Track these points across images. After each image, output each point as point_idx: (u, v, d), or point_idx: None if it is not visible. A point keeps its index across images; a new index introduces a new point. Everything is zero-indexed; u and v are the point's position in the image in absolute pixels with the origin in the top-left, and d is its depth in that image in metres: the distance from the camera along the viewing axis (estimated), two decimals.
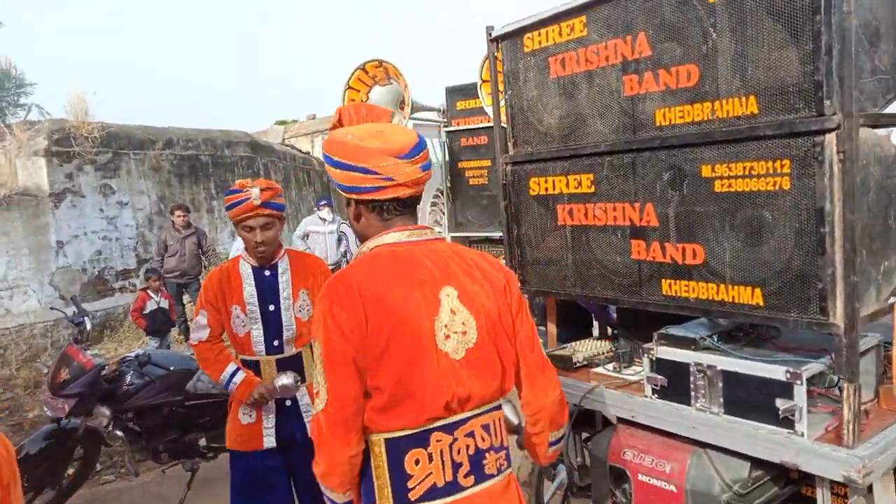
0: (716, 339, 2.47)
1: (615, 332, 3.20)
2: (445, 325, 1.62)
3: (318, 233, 8.87)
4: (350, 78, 5.74)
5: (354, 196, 1.72)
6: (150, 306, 7.33)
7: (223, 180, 12.18)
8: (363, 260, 1.70)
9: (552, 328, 3.41)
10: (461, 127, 6.32)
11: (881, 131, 2.34)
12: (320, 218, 9.01)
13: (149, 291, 7.41)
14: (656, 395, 2.52)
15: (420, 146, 1.74)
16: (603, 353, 3.09)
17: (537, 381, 1.82)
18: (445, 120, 6.77)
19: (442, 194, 7.40)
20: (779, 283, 2.12)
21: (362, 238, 1.79)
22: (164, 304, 7.49)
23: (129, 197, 10.47)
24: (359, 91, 5.84)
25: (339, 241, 8.91)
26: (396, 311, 1.58)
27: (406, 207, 1.75)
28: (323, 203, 9.10)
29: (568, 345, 3.27)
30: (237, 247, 8.76)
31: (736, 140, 2.17)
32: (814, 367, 2.14)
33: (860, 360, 2.39)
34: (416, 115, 6.64)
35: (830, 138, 1.93)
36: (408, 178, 1.68)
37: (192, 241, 8.85)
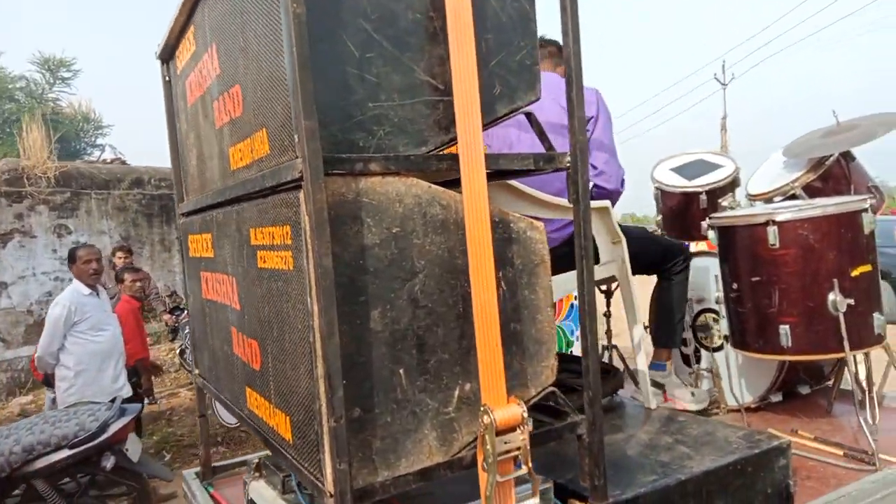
0: None
1: None
2: None
3: None
4: None
5: None
6: None
7: None
8: None
9: None
10: None
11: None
12: None
13: None
14: None
15: None
16: None
17: None
18: None
19: None
20: (301, 412, 1.37)
21: None
22: None
23: (88, 237, 10.24)
24: None
25: None
26: None
27: None
28: None
29: None
30: None
31: (256, 194, 1.47)
32: None
33: None
34: None
35: (301, 196, 1.20)
36: None
37: (142, 284, 8.49)
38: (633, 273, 2.96)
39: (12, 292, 9.27)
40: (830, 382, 2.97)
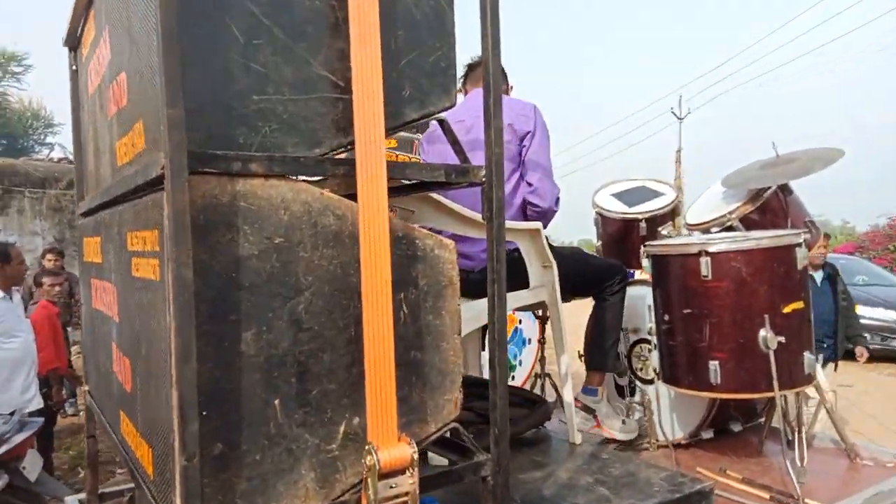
0: None
1: None
2: None
3: None
4: None
5: None
6: None
7: None
8: None
9: None
10: None
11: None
12: None
13: None
14: None
15: None
16: None
17: None
18: None
19: None
20: (161, 445, 1.20)
21: None
22: None
23: (19, 238, 9.73)
24: None
25: None
26: None
27: None
28: None
29: None
30: None
31: (133, 194, 1.30)
32: None
33: None
34: None
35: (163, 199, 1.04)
36: None
37: (62, 289, 8.06)
38: (569, 295, 2.86)
39: None
40: (763, 420, 2.91)
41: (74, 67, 2.22)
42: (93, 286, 1.96)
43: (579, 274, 2.48)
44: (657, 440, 2.76)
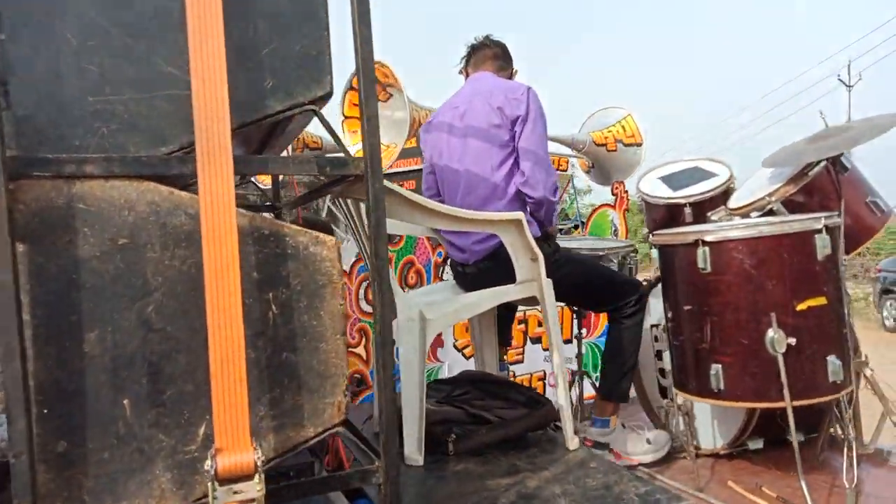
0: None
1: None
2: None
3: None
4: (343, 105, 4.03)
5: None
6: None
7: None
8: None
9: None
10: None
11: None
12: None
13: None
14: None
15: None
16: None
17: None
18: None
19: None
20: None
21: None
22: None
23: None
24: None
25: None
26: None
27: None
28: None
29: None
30: None
31: None
32: None
33: None
34: None
35: None
36: None
37: None
38: (579, 306, 2.65)
39: None
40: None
41: None
42: None
43: (587, 282, 2.27)
44: (697, 449, 2.51)
